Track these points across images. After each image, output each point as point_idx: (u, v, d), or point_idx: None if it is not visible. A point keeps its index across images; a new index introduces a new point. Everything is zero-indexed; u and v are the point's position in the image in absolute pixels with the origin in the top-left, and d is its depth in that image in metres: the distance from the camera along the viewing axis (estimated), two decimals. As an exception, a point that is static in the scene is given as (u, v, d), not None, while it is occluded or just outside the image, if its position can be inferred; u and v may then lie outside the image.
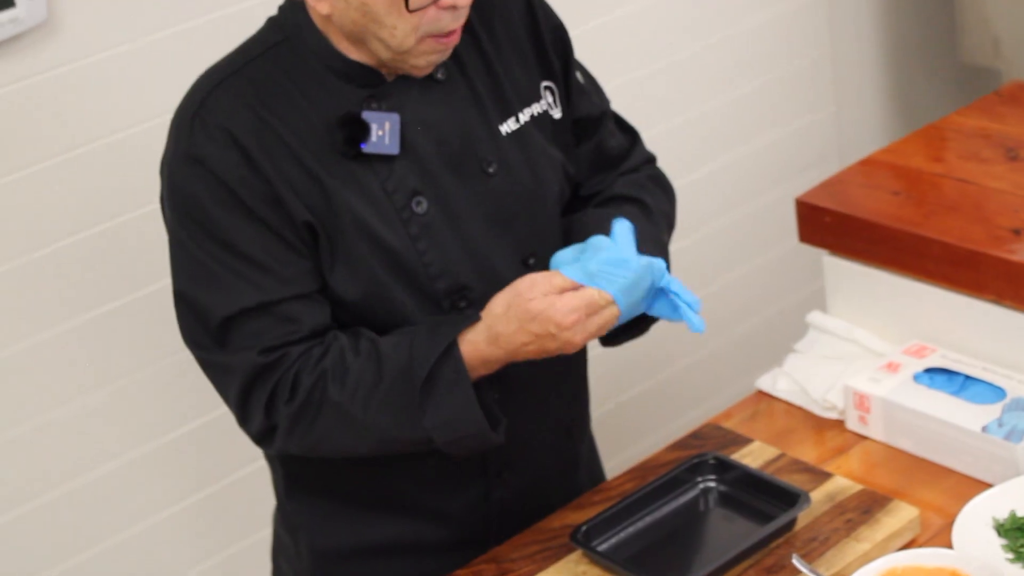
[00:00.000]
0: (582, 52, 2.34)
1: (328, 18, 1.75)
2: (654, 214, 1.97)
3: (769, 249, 3.40)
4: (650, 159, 2.05)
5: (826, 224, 2.25)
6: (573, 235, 1.90)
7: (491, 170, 1.84)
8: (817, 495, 1.91)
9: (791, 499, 1.85)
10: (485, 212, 1.84)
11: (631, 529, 1.89)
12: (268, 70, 1.78)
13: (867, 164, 2.35)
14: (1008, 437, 1.92)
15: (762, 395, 2.19)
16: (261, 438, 1.82)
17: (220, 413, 2.54)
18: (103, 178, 2.45)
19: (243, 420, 1.82)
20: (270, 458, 2.01)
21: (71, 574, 2.57)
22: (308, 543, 1.97)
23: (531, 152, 1.88)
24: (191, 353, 1.83)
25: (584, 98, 1.97)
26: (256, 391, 1.78)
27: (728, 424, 2.12)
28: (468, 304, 1.83)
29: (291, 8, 1.80)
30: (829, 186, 2.31)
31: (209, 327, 1.78)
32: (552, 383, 1.94)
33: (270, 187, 1.74)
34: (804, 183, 3.19)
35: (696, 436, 2.08)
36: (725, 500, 1.93)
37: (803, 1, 3.35)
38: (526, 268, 1.86)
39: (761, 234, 3.38)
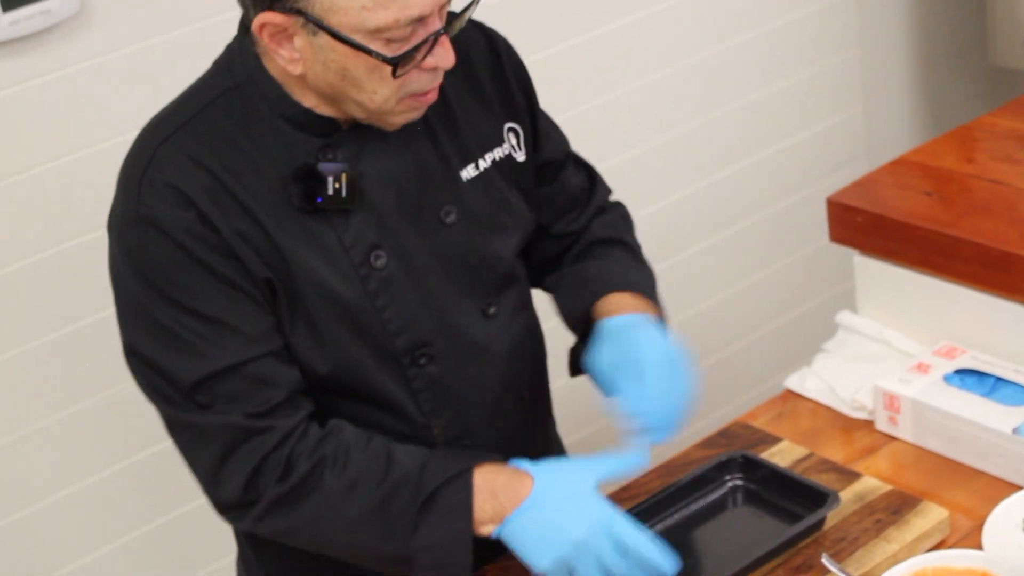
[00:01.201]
0: (611, 51, 2.35)
1: (297, 76, 1.67)
2: (638, 253, 1.98)
3: (799, 249, 3.39)
4: (610, 192, 2.03)
5: (857, 224, 2.24)
6: (583, 298, 1.88)
7: (449, 220, 1.78)
8: (846, 495, 1.91)
9: (820, 499, 1.85)
10: (444, 263, 1.78)
11: (658, 527, 1.88)
12: (218, 121, 1.69)
13: (898, 164, 2.34)
14: (1039, 439, 1.91)
15: (790, 394, 2.18)
16: (229, 508, 1.73)
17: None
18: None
19: (213, 485, 1.72)
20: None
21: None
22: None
23: (492, 198, 1.82)
24: (155, 408, 1.73)
25: (549, 141, 1.93)
26: (238, 458, 1.70)
27: (756, 423, 2.12)
28: (428, 360, 1.79)
29: (241, 53, 1.71)
30: (861, 186, 2.30)
31: (178, 388, 1.69)
32: (498, 349, 1.86)
33: (226, 244, 1.66)
34: (833, 183, 3.18)
35: (724, 435, 2.07)
36: (754, 499, 1.92)
37: (833, 1, 3.34)
38: (485, 319, 1.83)
39: (790, 233, 3.38)
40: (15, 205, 2.39)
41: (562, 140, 1.97)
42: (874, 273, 2.24)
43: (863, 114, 3.47)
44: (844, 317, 2.28)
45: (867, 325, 2.24)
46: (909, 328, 2.21)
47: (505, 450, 1.84)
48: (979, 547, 1.78)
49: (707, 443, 2.06)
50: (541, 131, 1.91)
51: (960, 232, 2.13)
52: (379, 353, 1.76)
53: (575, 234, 1.97)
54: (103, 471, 2.59)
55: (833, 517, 1.88)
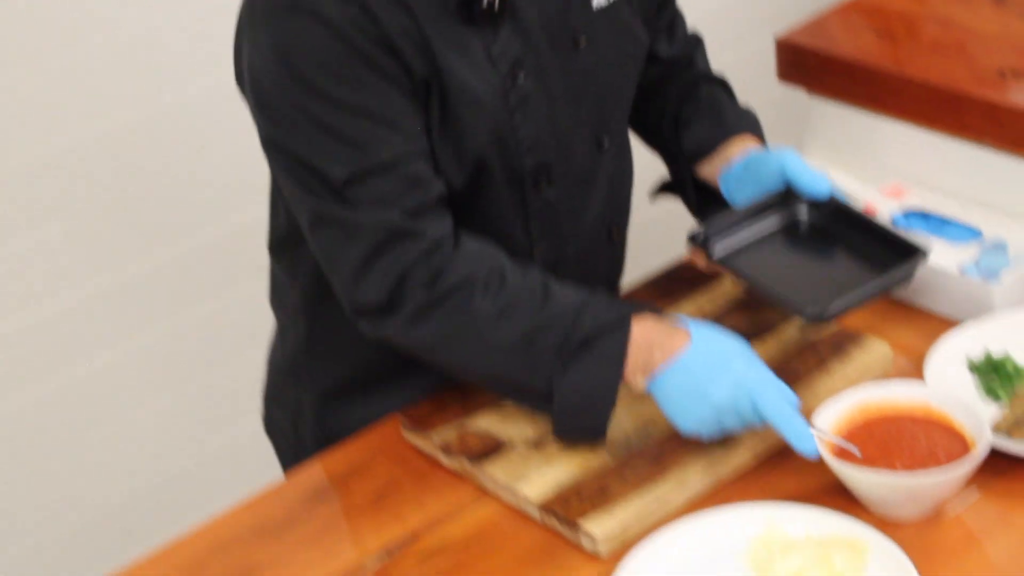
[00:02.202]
0: None
1: None
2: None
3: (745, 94, 3.34)
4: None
5: (806, 64, 2.20)
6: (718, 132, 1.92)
7: (581, 44, 1.78)
8: (788, 329, 1.89)
9: (908, 251, 1.80)
10: (572, 89, 1.78)
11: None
12: None
13: (850, 7, 2.30)
14: (984, 277, 1.89)
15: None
16: (369, 312, 1.70)
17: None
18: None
19: (353, 287, 1.69)
20: (285, 309, 1.95)
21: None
22: (314, 395, 1.93)
23: (619, 30, 1.83)
24: (297, 203, 1.70)
25: None
26: (385, 259, 1.66)
27: (703, 266, 2.08)
28: (548, 184, 1.79)
29: None
30: (810, 27, 2.26)
31: (329, 183, 1.66)
32: (602, 182, 1.88)
33: (388, 38, 1.63)
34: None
35: (667, 273, 2.05)
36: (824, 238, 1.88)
37: None
38: (599, 150, 1.84)
39: (738, 79, 3.32)
40: None
41: None
42: (822, 114, 2.21)
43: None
44: (791, 159, 2.25)
45: (815, 166, 2.20)
46: (857, 169, 2.17)
47: (589, 278, 1.86)
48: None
49: (652, 282, 2.03)
50: None
51: (910, 71, 2.10)
52: (508, 172, 1.76)
53: (680, 61, 1.98)
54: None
55: (775, 353, 1.86)
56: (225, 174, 2.71)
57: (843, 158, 2.18)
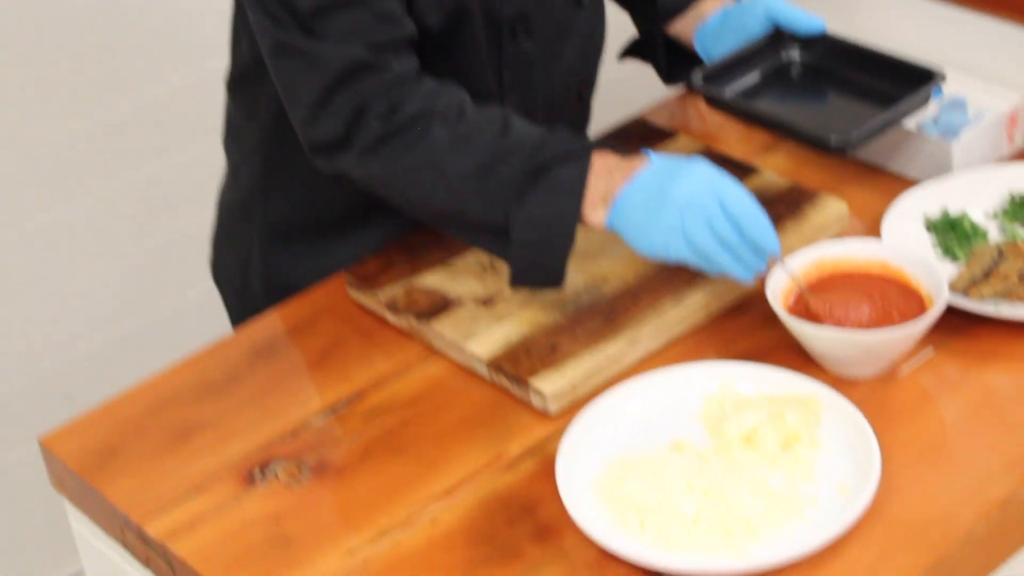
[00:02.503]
0: None
1: None
2: None
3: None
4: None
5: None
6: None
7: None
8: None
9: (922, 76, 1.78)
10: None
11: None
12: None
13: None
14: (943, 135, 1.85)
15: (690, 94, 2.10)
16: (325, 147, 1.65)
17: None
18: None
19: (312, 120, 1.64)
20: (239, 147, 1.90)
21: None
22: (263, 237, 1.89)
23: None
24: (262, 34, 1.64)
25: None
26: (346, 91, 1.61)
27: (653, 120, 2.04)
28: (526, 35, 1.74)
29: None
30: None
31: (297, 12, 1.61)
32: (576, 38, 1.84)
33: None
34: None
35: (621, 130, 2.00)
36: (826, 76, 1.86)
37: None
38: (577, 5, 1.79)
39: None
40: None
41: None
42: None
43: None
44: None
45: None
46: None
47: (564, 44, 1.83)
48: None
49: (604, 139, 1.99)
50: None
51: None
52: (487, 17, 1.71)
53: None
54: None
55: (730, 211, 1.82)
56: (165, 34, 2.64)
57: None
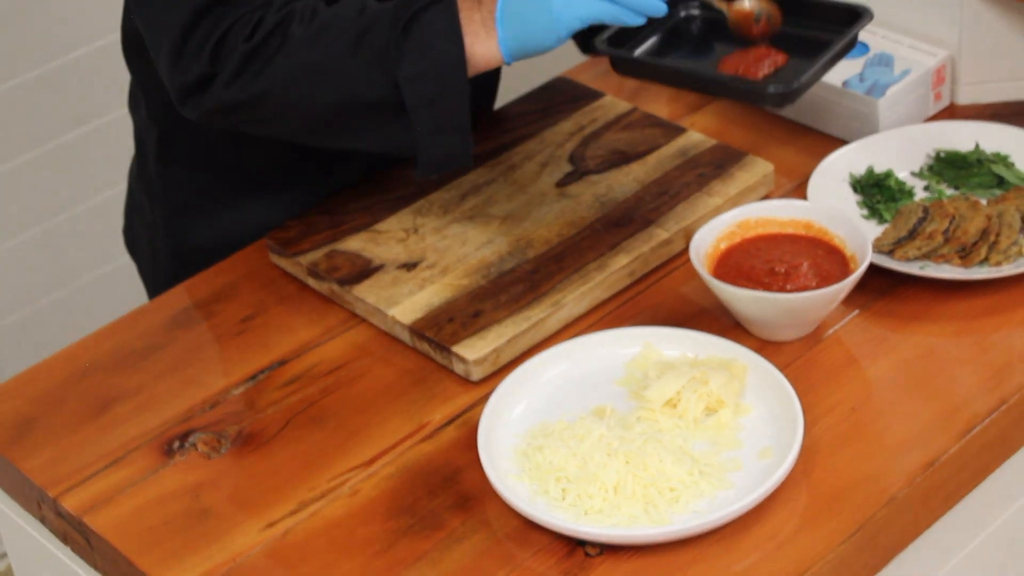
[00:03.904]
0: None
1: None
2: None
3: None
4: None
5: None
6: None
7: None
8: (669, 150, 1.83)
9: (851, 15, 1.66)
10: None
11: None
12: None
13: None
14: (869, 92, 1.84)
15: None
16: (194, 89, 1.57)
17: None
18: None
19: (177, 63, 1.56)
20: (139, 115, 1.85)
21: None
22: (167, 208, 1.85)
23: None
24: None
25: None
26: (205, 25, 1.55)
27: (579, 79, 2.02)
28: None
29: None
30: None
31: None
32: None
33: None
34: None
35: (545, 88, 1.97)
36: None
37: None
38: None
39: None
40: None
41: None
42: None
43: None
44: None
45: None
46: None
47: None
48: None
49: (528, 98, 1.96)
50: None
51: None
52: None
53: None
54: None
55: (655, 172, 1.80)
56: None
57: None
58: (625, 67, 1.67)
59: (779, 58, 1.64)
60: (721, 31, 1.70)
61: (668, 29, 1.72)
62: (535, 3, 1.53)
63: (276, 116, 1.61)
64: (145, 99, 1.82)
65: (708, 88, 1.63)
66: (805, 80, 1.58)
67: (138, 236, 1.93)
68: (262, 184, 1.78)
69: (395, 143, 1.60)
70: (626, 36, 1.69)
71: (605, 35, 1.67)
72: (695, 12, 1.75)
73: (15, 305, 2.68)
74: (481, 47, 1.56)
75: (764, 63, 1.63)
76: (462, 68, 1.55)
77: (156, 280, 1.89)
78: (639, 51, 1.71)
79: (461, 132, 1.58)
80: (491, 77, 1.91)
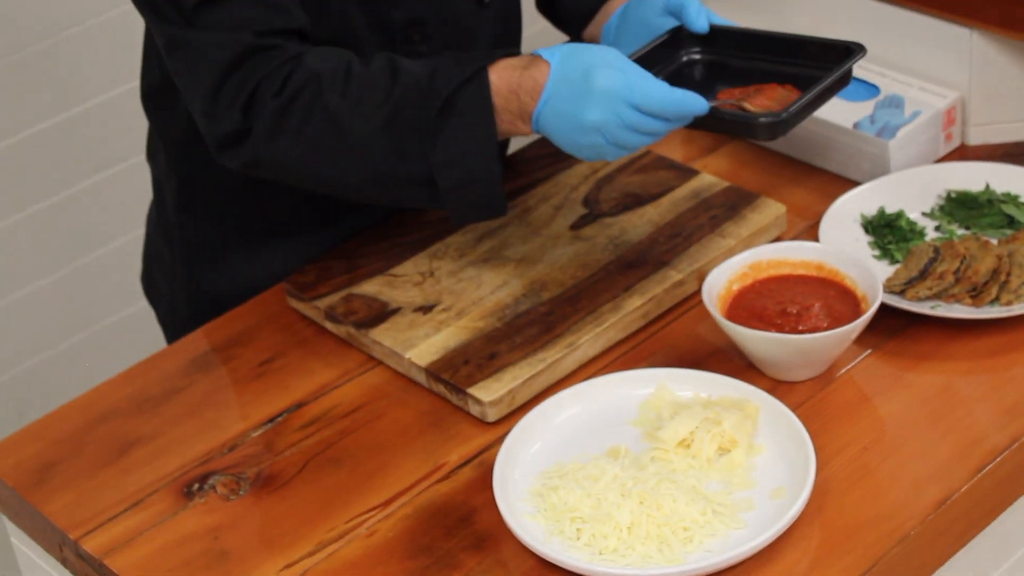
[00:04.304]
0: None
1: None
2: None
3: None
4: None
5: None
6: None
7: None
8: (682, 192, 1.85)
9: (843, 52, 1.67)
10: None
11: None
12: None
13: None
14: (880, 134, 1.85)
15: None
16: (227, 144, 1.61)
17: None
18: None
19: (211, 115, 1.61)
20: (157, 163, 1.88)
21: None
22: (186, 254, 1.87)
23: None
24: (157, 34, 1.62)
25: None
26: (237, 79, 1.58)
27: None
28: (421, 39, 1.71)
29: None
30: None
31: (179, 8, 1.58)
32: (484, 43, 1.80)
33: None
34: None
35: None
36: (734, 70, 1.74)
37: None
38: (480, 6, 1.75)
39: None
40: None
41: None
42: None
43: None
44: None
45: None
46: (753, 25, 2.12)
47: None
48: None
49: (542, 141, 1.98)
50: None
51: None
52: (376, 24, 1.68)
53: None
54: None
55: (669, 214, 1.82)
56: (98, 51, 2.63)
57: (736, 14, 2.13)
58: None
59: (776, 91, 1.66)
60: (722, 74, 1.72)
61: (671, 73, 1.74)
62: (577, 140, 1.56)
63: (309, 179, 1.65)
64: (165, 147, 1.85)
65: (701, 122, 1.61)
66: (794, 110, 1.59)
67: (157, 282, 1.96)
68: (280, 229, 1.80)
69: (427, 204, 1.64)
70: None
71: None
72: (696, 56, 1.77)
73: (35, 349, 2.70)
74: (515, 129, 1.60)
75: (759, 97, 1.65)
76: (494, 156, 1.59)
77: (175, 325, 1.91)
78: None
79: (495, 204, 1.62)
80: None
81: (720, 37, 1.74)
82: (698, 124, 1.60)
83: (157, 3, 1.60)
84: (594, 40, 1.87)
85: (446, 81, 1.57)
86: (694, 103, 1.55)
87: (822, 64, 1.67)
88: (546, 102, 1.56)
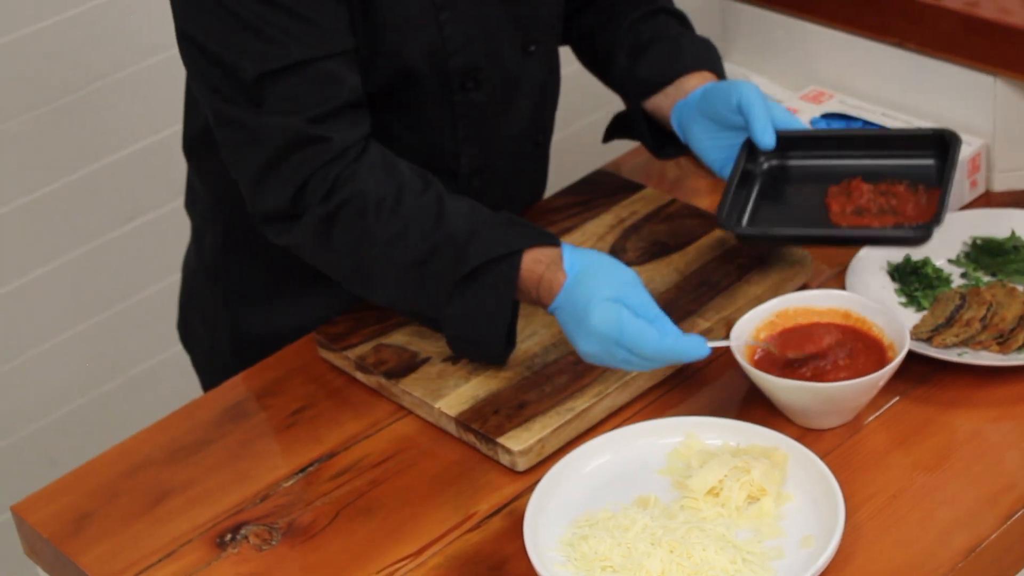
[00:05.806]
0: None
1: None
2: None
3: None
4: None
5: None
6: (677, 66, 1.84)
7: None
8: (708, 240, 1.86)
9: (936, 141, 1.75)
10: None
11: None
12: None
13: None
14: (905, 181, 1.87)
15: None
16: (272, 220, 1.66)
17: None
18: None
19: (257, 194, 1.65)
20: (197, 209, 1.92)
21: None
22: (229, 297, 1.90)
23: None
24: (204, 102, 1.65)
25: None
26: (287, 168, 1.62)
27: (621, 171, 2.06)
28: (475, 86, 1.75)
29: None
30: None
31: (236, 81, 1.61)
32: (529, 89, 1.84)
33: None
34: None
35: (587, 182, 2.01)
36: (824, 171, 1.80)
37: None
38: (525, 54, 1.79)
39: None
40: None
41: None
42: (742, 18, 2.17)
43: None
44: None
45: (735, 72, 2.18)
46: (778, 74, 2.15)
47: (513, 192, 1.88)
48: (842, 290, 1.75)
49: (570, 190, 2.00)
50: None
51: (830, -27, 2.06)
52: (433, 71, 1.72)
53: None
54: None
55: (694, 262, 1.83)
56: (136, 97, 2.65)
57: (764, 63, 2.15)
58: (751, 241, 1.77)
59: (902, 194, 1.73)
60: (807, 176, 1.81)
61: (738, 181, 1.78)
62: (572, 337, 1.61)
63: (333, 275, 1.71)
64: (208, 192, 1.88)
65: (851, 242, 1.75)
66: (942, 214, 1.65)
67: (194, 327, 1.98)
68: (319, 275, 1.83)
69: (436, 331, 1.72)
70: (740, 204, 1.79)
71: (719, 218, 1.73)
72: (775, 162, 1.82)
73: (68, 396, 2.72)
74: (529, 300, 1.66)
75: (873, 208, 1.71)
76: (502, 325, 1.64)
77: (212, 371, 1.93)
78: (745, 220, 1.79)
79: (493, 360, 1.69)
80: (540, 175, 1.96)
81: (795, 142, 1.79)
82: (846, 243, 1.76)
83: (214, 74, 1.62)
84: (658, 110, 1.87)
85: (482, 251, 1.62)
86: (686, 350, 1.58)
87: (911, 154, 1.75)
88: (556, 308, 1.62)
